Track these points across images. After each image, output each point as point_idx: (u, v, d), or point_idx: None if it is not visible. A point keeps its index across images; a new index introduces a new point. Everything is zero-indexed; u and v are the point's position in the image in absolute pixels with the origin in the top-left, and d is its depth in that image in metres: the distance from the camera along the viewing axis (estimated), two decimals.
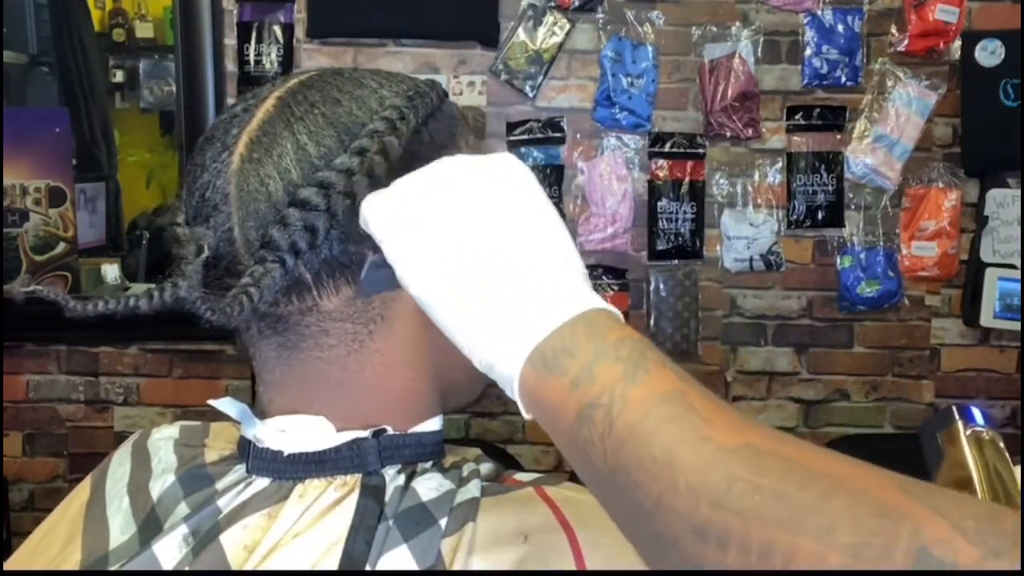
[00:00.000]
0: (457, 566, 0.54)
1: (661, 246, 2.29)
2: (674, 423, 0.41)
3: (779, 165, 2.29)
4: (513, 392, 0.47)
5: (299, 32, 2.22)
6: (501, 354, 0.47)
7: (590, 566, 0.55)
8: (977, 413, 0.66)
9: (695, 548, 0.39)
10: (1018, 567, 0.34)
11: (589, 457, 0.44)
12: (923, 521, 0.36)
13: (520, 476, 0.63)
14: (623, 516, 0.44)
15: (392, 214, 0.52)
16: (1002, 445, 0.65)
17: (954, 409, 0.67)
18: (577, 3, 2.21)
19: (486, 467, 0.63)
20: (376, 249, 0.53)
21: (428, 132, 0.59)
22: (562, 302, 0.47)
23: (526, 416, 0.47)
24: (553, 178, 2.26)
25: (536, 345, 0.46)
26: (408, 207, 0.51)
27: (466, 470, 0.61)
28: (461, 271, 0.49)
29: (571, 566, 0.55)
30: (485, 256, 0.48)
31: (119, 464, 0.67)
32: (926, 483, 0.39)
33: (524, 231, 0.49)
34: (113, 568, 0.58)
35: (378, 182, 0.54)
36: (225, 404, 0.62)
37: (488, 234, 0.49)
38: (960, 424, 0.66)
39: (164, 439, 0.67)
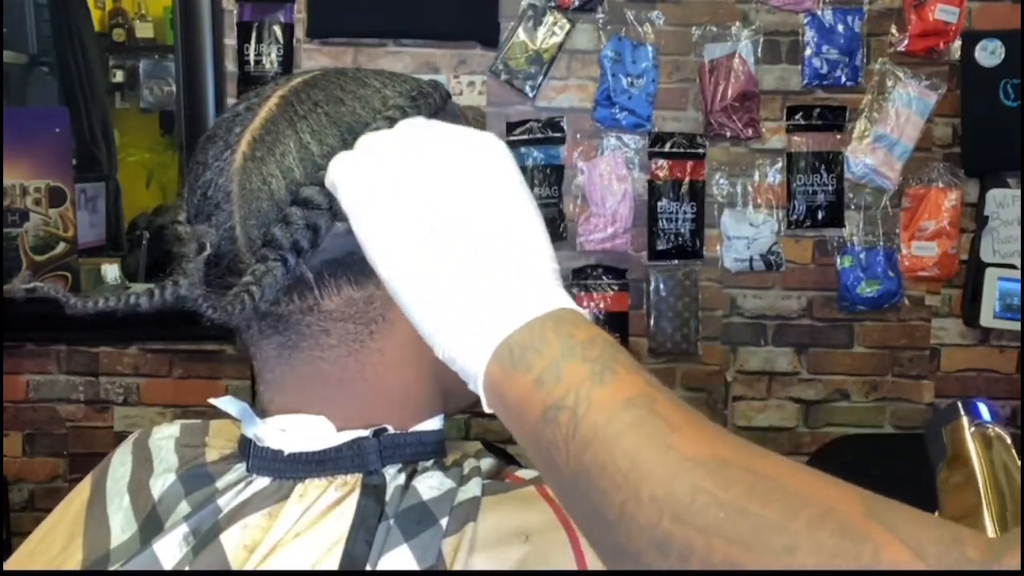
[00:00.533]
0: (458, 566, 0.54)
1: (661, 246, 2.29)
2: (639, 428, 0.40)
3: (779, 165, 2.29)
4: (477, 387, 0.45)
5: (299, 32, 2.22)
6: (465, 347, 0.45)
7: (591, 566, 0.55)
8: (984, 409, 0.65)
9: (656, 561, 0.39)
10: None
11: (552, 459, 0.43)
12: (883, 544, 0.36)
13: (522, 473, 0.63)
14: (585, 520, 0.43)
15: (361, 179, 0.49)
16: (1010, 441, 0.64)
17: (960, 405, 0.66)
18: (577, 3, 2.21)
19: (487, 462, 0.63)
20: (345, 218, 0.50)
21: None
22: (532, 297, 0.45)
23: (487, 410, 0.46)
24: (553, 178, 2.26)
25: (503, 339, 0.44)
26: (380, 171, 0.49)
27: (467, 467, 0.61)
28: (428, 253, 0.46)
29: (572, 565, 0.55)
30: (456, 239, 0.46)
31: (120, 463, 0.67)
32: (892, 502, 0.38)
33: (498, 216, 0.47)
34: (113, 567, 0.58)
35: None
36: (226, 402, 0.62)
37: (461, 213, 0.47)
38: (965, 420, 0.65)
39: (165, 438, 0.67)
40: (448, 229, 0.46)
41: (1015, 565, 0.34)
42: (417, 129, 0.51)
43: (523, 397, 0.43)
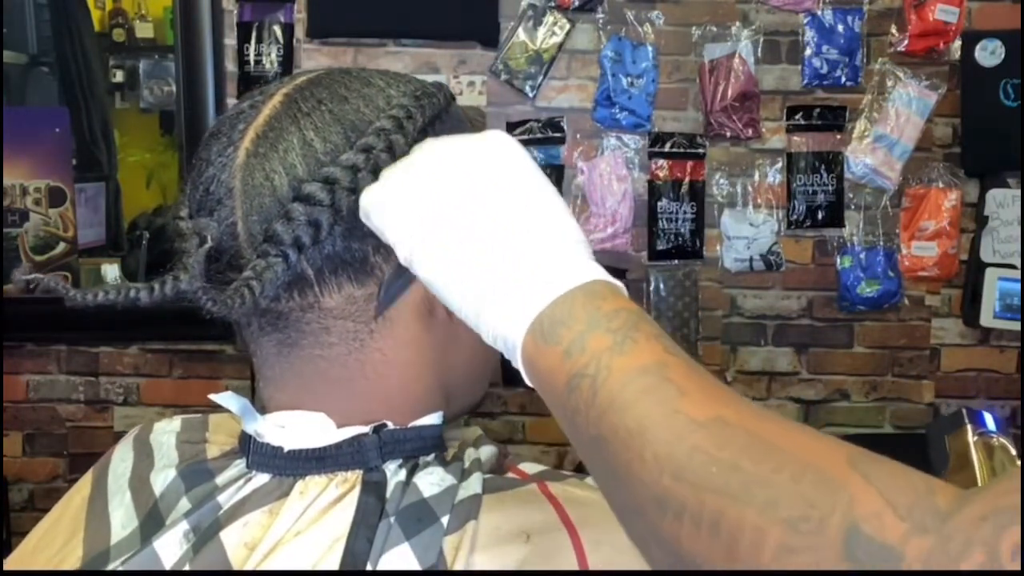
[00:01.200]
0: (459, 565, 0.54)
1: (661, 246, 2.29)
2: (650, 394, 0.43)
3: (779, 165, 2.29)
4: (516, 361, 0.48)
5: (299, 32, 2.22)
6: (504, 326, 0.48)
7: (592, 566, 0.54)
8: (989, 418, 0.65)
9: (656, 519, 0.41)
10: (945, 542, 0.35)
11: (576, 425, 0.45)
12: (858, 494, 0.37)
13: (524, 466, 0.63)
14: (601, 481, 0.46)
15: (390, 199, 0.52)
16: (1014, 452, 0.64)
17: (964, 412, 0.66)
18: (577, 3, 2.21)
19: (487, 451, 0.62)
20: (388, 260, 0.54)
21: (434, 133, 0.59)
22: (562, 272, 0.48)
23: (528, 383, 0.48)
24: (553, 178, 2.25)
25: (537, 315, 0.47)
26: (405, 189, 0.52)
27: (468, 460, 0.60)
28: (462, 244, 0.49)
29: (574, 566, 0.54)
30: (487, 227, 0.49)
31: (120, 460, 0.67)
32: (878, 456, 0.40)
33: (522, 202, 0.50)
34: (114, 564, 0.58)
35: None
36: (226, 399, 0.61)
37: (488, 205, 0.50)
38: (969, 428, 0.65)
39: (166, 433, 0.67)
40: (479, 219, 0.50)
41: (978, 514, 0.35)
42: (432, 144, 0.54)
43: (553, 368, 0.46)
